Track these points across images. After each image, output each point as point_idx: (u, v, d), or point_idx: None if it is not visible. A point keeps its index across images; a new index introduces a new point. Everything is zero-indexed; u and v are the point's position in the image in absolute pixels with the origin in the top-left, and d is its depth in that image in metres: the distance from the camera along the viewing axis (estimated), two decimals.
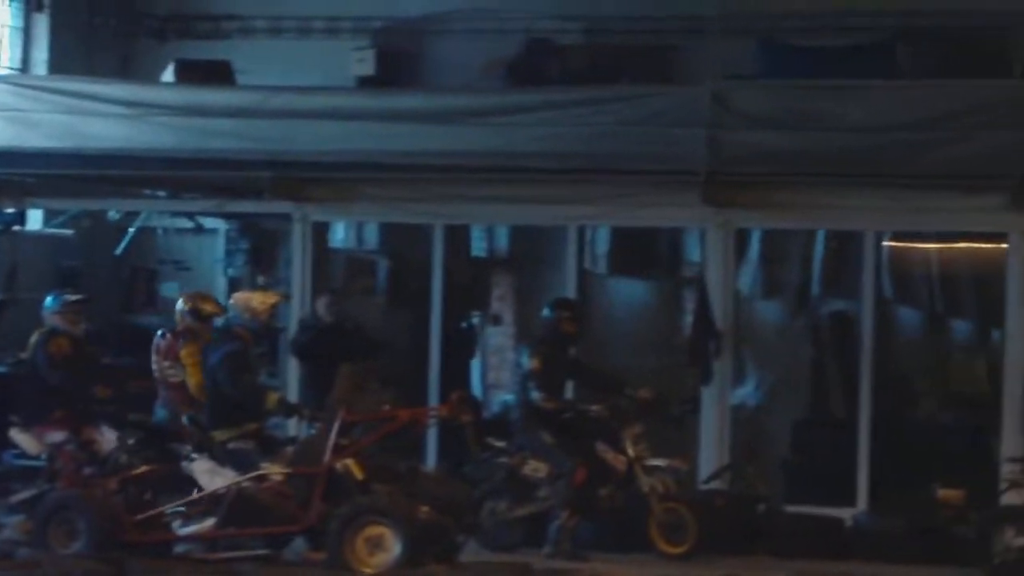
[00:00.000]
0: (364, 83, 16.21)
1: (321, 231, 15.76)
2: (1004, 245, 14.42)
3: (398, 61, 16.75)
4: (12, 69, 17.22)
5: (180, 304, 13.22)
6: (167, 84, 16.00)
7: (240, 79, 16.10)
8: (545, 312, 13.54)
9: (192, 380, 12.68)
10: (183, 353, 12.82)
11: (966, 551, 12.96)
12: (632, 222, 15.76)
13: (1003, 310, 14.47)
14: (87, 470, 12.10)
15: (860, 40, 16.35)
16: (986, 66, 15.44)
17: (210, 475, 11.09)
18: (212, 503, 11.05)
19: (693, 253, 16.20)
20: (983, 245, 15.41)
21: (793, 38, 16.46)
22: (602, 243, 16.64)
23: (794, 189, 14.59)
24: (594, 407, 12.86)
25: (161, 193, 16.33)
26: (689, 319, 15.40)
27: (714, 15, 15.51)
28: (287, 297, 13.91)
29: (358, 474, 10.80)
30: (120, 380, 13.90)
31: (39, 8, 17.19)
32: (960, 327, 17.33)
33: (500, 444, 13.22)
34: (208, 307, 13.07)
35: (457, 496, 12.02)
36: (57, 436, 12.55)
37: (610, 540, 12.90)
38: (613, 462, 12.23)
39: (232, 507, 10.87)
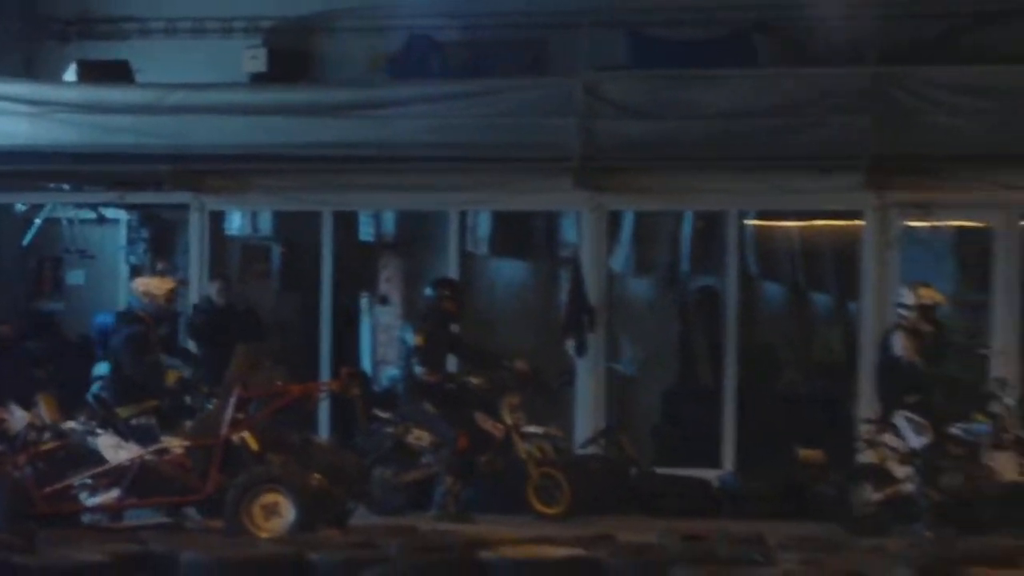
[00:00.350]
0: (256, 79, 16.68)
1: (217, 220, 16.44)
2: (860, 222, 15.41)
3: (288, 58, 17.15)
4: None
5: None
6: (69, 83, 16.56)
7: (139, 78, 16.71)
8: (427, 292, 14.32)
9: None
10: None
11: (826, 507, 13.74)
12: (510, 207, 16.66)
13: (859, 284, 15.55)
14: None
15: (722, 32, 17.06)
16: (839, 55, 16.15)
17: (115, 449, 11.42)
18: (117, 475, 11.34)
19: (569, 235, 16.91)
20: (840, 223, 16.30)
21: (659, 31, 17.02)
22: (483, 227, 17.36)
23: (662, 173, 15.61)
24: (473, 379, 13.60)
25: (65, 186, 16.77)
26: (565, 297, 16.04)
27: (584, 10, 16.17)
28: (184, 283, 14.45)
29: (253, 446, 11.23)
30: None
31: None
32: (820, 300, 18.46)
33: (386, 415, 13.87)
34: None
35: (347, 465, 12.50)
36: None
37: (491, 503, 13.54)
38: (492, 430, 12.98)
39: (136, 479, 11.25)
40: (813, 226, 17.49)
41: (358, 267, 17.84)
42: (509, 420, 13.44)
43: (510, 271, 18.41)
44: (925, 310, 13.96)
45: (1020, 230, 15.48)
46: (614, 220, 16.50)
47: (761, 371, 17.12)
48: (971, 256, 16.70)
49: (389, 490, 13.49)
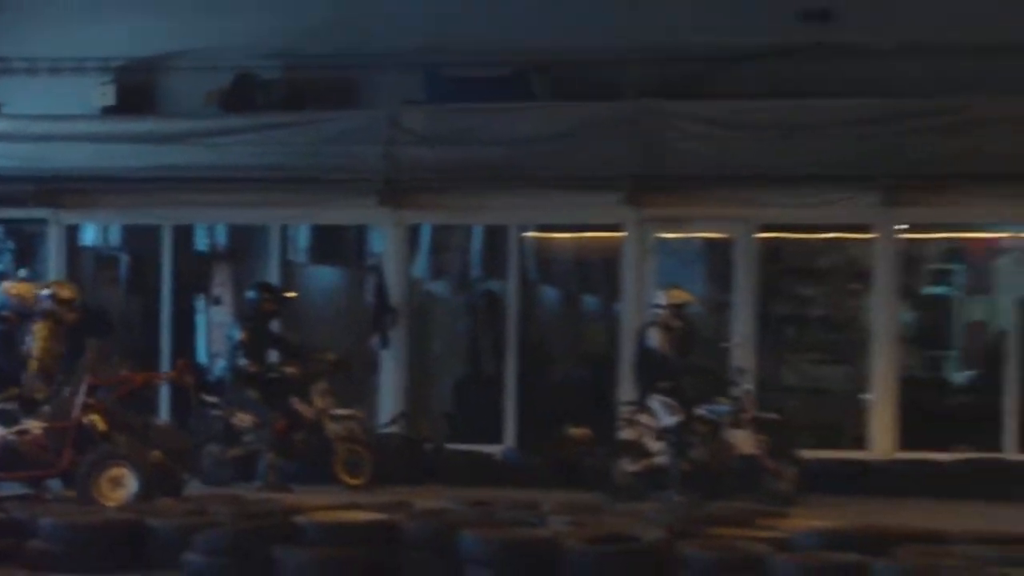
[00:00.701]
0: (107, 112, 17.98)
1: (72, 233, 18.03)
2: (621, 234, 17.15)
3: (134, 93, 18.37)
4: None
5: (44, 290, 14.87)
6: None
7: (5, 110, 18.00)
8: (250, 294, 15.81)
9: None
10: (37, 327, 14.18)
11: (592, 477, 15.19)
12: (324, 221, 18.50)
13: (620, 287, 17.36)
14: None
15: (504, 71, 18.22)
16: (604, 91, 17.83)
17: None
18: None
19: (375, 245, 18.46)
20: (605, 235, 17.85)
21: (452, 71, 18.32)
22: (302, 239, 19.11)
23: (454, 192, 17.44)
24: (289, 369, 15.07)
25: None
26: (370, 299, 17.74)
27: (388, 52, 17.82)
28: (46, 287, 15.80)
29: (101, 427, 12.49)
30: None
31: None
32: (588, 301, 20.13)
33: (215, 400, 15.32)
34: (65, 293, 14.86)
35: (182, 443, 13.97)
36: None
37: (305, 475, 14.86)
38: (305, 413, 14.47)
39: (0, 456, 12.34)
40: (583, 238, 19.06)
41: (194, 273, 19.11)
42: (320, 404, 14.82)
43: (325, 277, 19.91)
44: (675, 309, 15.26)
45: (755, 241, 17.27)
46: (413, 233, 18.17)
47: (537, 362, 18.58)
48: (715, 263, 18.31)
49: (218, 464, 14.78)
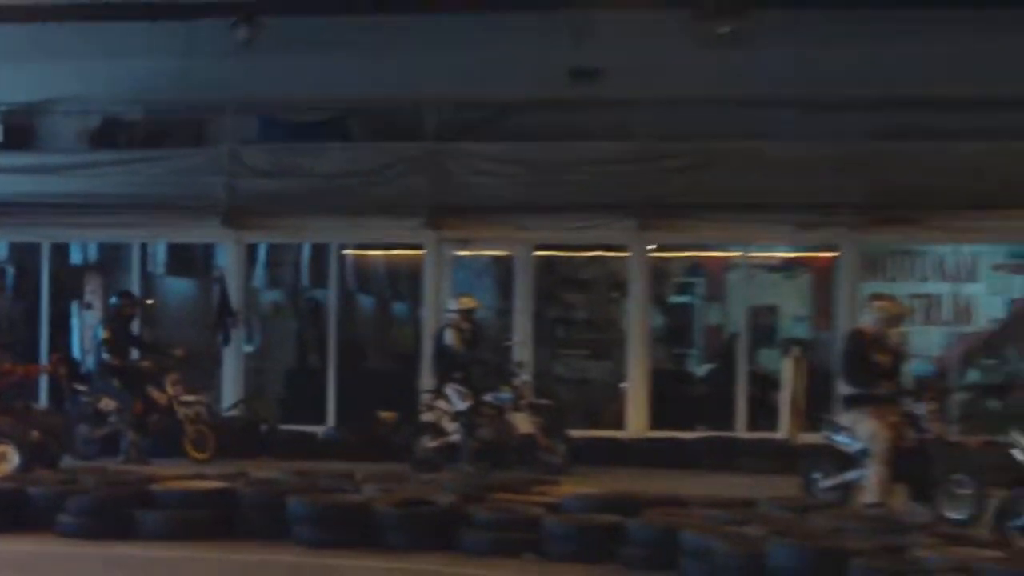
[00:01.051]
0: None
1: None
2: (422, 252, 19.32)
3: (19, 132, 20.27)
4: None
5: None
6: None
7: None
8: (113, 300, 17.51)
9: None
10: None
11: (399, 452, 16.81)
12: (177, 239, 20.73)
13: (421, 295, 19.53)
14: None
15: (325, 116, 20.35)
16: (406, 133, 19.91)
17: None
18: None
19: (221, 260, 20.32)
20: (409, 252, 20.16)
21: (283, 115, 20.64)
22: (159, 254, 21.15)
23: (285, 216, 19.45)
24: (144, 363, 16.83)
25: None
26: (216, 304, 19.64)
27: (230, 99, 19.53)
28: None
29: None
30: None
31: None
32: (396, 307, 22.63)
33: (85, 389, 17.07)
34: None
35: (57, 424, 15.90)
36: None
37: (160, 450, 16.51)
38: (159, 399, 16.13)
39: None
40: (391, 255, 21.57)
41: (69, 283, 20.90)
42: (171, 391, 16.47)
43: (177, 286, 22.01)
44: (465, 313, 16.96)
45: (532, 258, 19.47)
46: (251, 250, 20.39)
47: (354, 357, 20.72)
48: (499, 275, 20.61)
49: (87, 442, 16.51)
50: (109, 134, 20.71)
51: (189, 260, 22.34)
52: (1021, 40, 18.43)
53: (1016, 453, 12.63)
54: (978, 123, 19.17)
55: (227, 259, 20.32)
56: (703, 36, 19.15)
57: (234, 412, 18.82)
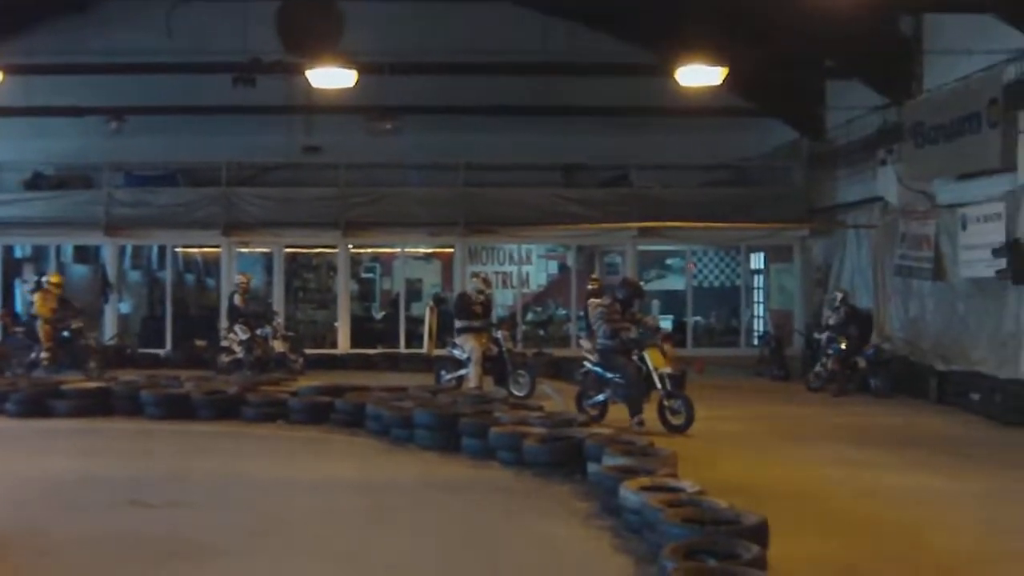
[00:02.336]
0: None
1: None
2: (219, 249, 26.11)
3: None
4: None
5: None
6: None
7: None
8: (41, 279, 21.62)
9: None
10: None
11: (208, 364, 22.17)
12: (78, 243, 27.71)
13: (220, 274, 26.51)
14: None
15: (163, 172, 27.20)
16: (209, 182, 26.21)
17: None
18: None
19: (104, 254, 26.83)
20: (214, 249, 26.79)
21: (138, 172, 27.14)
22: (68, 251, 27.54)
23: (141, 228, 26.25)
24: (62, 312, 20.88)
25: None
26: (100, 280, 25.78)
27: (106, 161, 26.36)
28: None
29: None
30: None
31: None
32: (207, 281, 29.39)
33: (21, 331, 21.54)
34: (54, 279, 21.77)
35: (5, 351, 20.82)
36: None
37: (69, 366, 20.43)
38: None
39: None
40: (203, 251, 28.92)
41: (14, 268, 26.85)
42: (75, 327, 20.66)
43: (79, 270, 28.24)
44: (246, 284, 22.86)
45: (284, 253, 26.80)
46: (122, 248, 27.22)
47: (182, 309, 27.69)
48: (266, 263, 27.77)
49: (21, 363, 20.67)
50: (37, 182, 27.26)
51: (86, 254, 28.69)
52: (548, 131, 28.23)
53: (586, 363, 17.10)
54: (518, 180, 28.28)
55: (107, 254, 27.21)
56: (374, 129, 28.08)
57: (113, 341, 24.64)
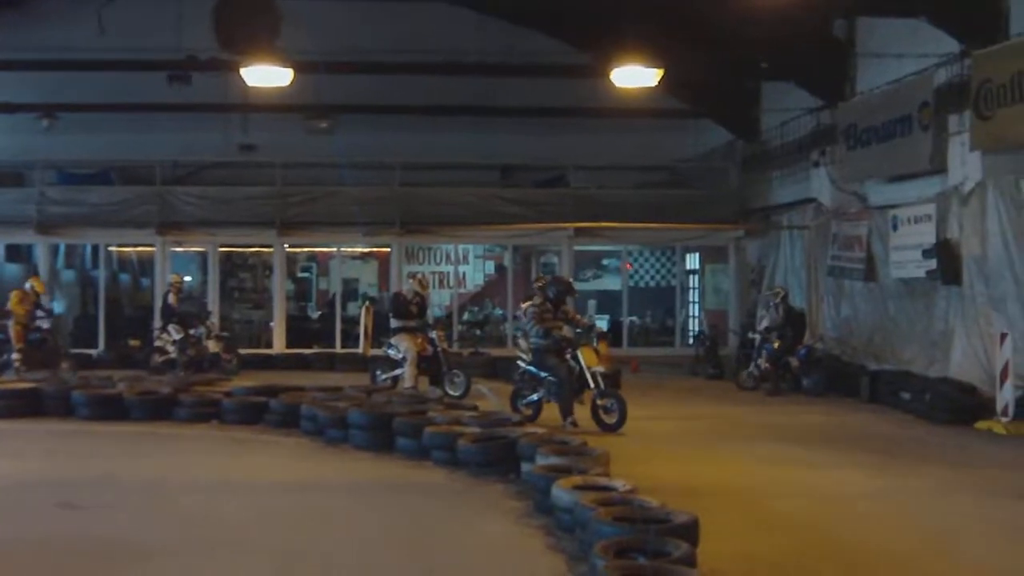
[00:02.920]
0: None
1: None
2: (153, 248, 26.50)
3: None
4: None
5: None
6: None
7: None
8: None
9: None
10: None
11: (141, 364, 22.49)
12: (9, 242, 27.85)
13: (154, 274, 26.56)
14: None
15: (95, 170, 27.32)
16: (143, 179, 26.66)
17: None
18: None
19: (36, 254, 27.44)
20: (147, 248, 27.05)
21: (71, 170, 27.28)
22: (2, 249, 27.75)
23: (74, 227, 26.50)
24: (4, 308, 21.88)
25: None
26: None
27: (40, 160, 26.46)
28: None
29: None
30: None
31: None
32: (142, 280, 29.59)
33: None
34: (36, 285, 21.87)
35: None
36: None
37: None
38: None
39: None
40: (136, 249, 28.94)
41: None
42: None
43: (12, 269, 28.65)
44: (179, 284, 23.31)
45: (218, 252, 26.88)
46: (55, 247, 27.65)
47: (116, 309, 27.88)
48: (201, 262, 28.17)
49: None
50: None
51: (17, 253, 29.28)
52: (484, 131, 28.73)
53: (520, 363, 17.04)
54: (455, 180, 28.67)
55: (38, 253, 27.67)
56: (310, 128, 28.29)
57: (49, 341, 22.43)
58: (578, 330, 17.02)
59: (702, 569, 7.54)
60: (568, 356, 16.27)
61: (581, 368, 16.09)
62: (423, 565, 8.93)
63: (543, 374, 16.31)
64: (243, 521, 10.29)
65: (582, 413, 15.95)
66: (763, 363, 21.92)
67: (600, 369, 16.22)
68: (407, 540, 9.72)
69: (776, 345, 21.66)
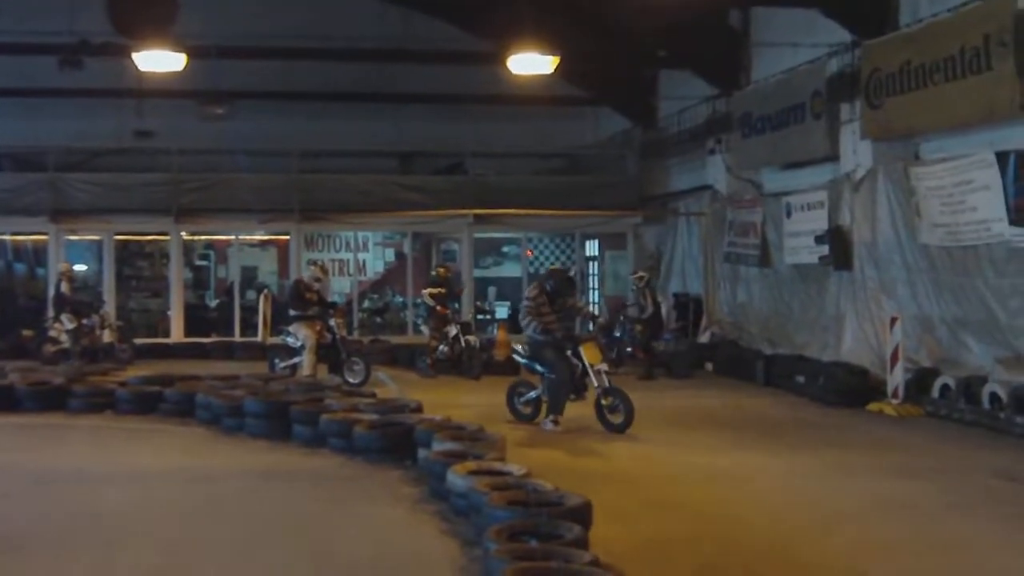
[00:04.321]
0: None
1: None
2: (46, 237, 26.09)
3: None
4: None
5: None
6: None
7: None
8: None
9: None
10: None
11: (33, 354, 22.04)
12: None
13: (47, 263, 26.13)
14: None
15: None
16: (34, 167, 26.14)
17: None
18: None
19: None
20: (41, 237, 26.62)
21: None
22: None
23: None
24: None
25: None
26: None
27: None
28: None
29: None
30: None
31: None
32: (38, 271, 28.79)
33: None
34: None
35: None
36: None
37: None
38: None
39: None
40: (32, 239, 28.05)
41: None
42: None
43: None
44: (69, 273, 23.01)
45: (114, 240, 26.30)
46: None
47: (9, 299, 27.72)
48: (96, 250, 27.56)
49: None
50: None
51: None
52: (384, 117, 28.85)
53: (516, 356, 16.40)
54: (354, 167, 28.76)
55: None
56: (206, 114, 27.94)
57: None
58: (584, 324, 16.96)
59: (594, 551, 7.57)
60: (569, 353, 15.39)
61: (584, 366, 15.24)
62: (317, 551, 8.93)
63: (540, 368, 15.59)
64: (134, 512, 10.22)
65: (581, 411, 15.54)
66: (630, 349, 22.25)
67: (603, 367, 15.35)
68: (301, 527, 9.69)
69: (639, 329, 21.88)
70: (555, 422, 14.99)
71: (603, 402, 15.03)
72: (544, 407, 15.44)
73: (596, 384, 15.06)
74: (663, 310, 23.55)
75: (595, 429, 15.25)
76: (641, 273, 23.27)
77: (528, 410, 15.70)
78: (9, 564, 8.52)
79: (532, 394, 15.62)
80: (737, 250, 22.92)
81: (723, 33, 23.13)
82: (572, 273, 18.73)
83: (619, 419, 14.86)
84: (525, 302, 15.98)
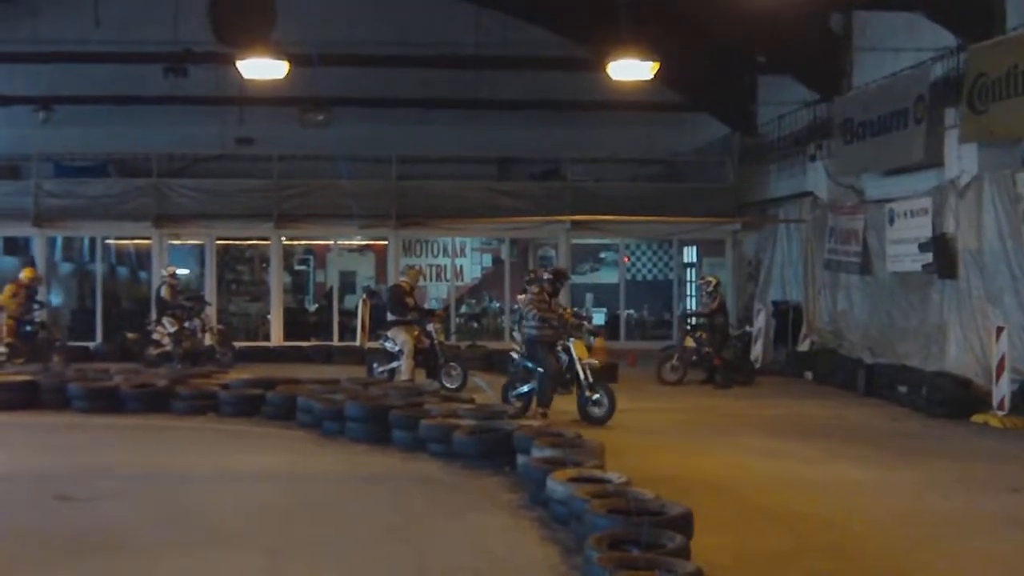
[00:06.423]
0: None
1: None
2: (150, 241, 26.79)
3: None
4: None
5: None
6: None
7: None
8: None
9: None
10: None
11: (138, 357, 22.32)
12: (8, 235, 28.07)
13: (151, 267, 27.25)
14: None
15: (92, 163, 27.65)
16: (141, 172, 26.85)
17: None
18: None
19: (34, 248, 27.33)
20: (145, 241, 27.11)
21: (68, 162, 27.57)
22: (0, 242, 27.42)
23: (71, 219, 26.52)
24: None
25: None
26: None
27: (37, 152, 26.53)
28: None
29: None
30: None
31: None
32: (140, 273, 29.56)
33: None
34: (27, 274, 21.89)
35: None
36: None
37: None
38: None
39: None
40: (134, 242, 29.02)
41: None
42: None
43: (9, 261, 28.01)
44: (173, 276, 22.82)
45: (216, 245, 27.01)
46: (52, 240, 27.67)
47: (112, 301, 28.00)
48: (198, 255, 28.50)
49: None
50: None
51: (15, 246, 29.56)
52: (481, 124, 28.90)
53: (514, 355, 17.17)
54: (451, 173, 28.89)
55: (36, 246, 27.59)
56: (306, 121, 28.63)
57: (42, 333, 22.89)
58: (576, 320, 17.35)
59: (696, 561, 7.49)
60: (559, 348, 16.30)
61: (571, 360, 16.13)
62: (417, 558, 8.92)
63: (531, 365, 16.35)
64: (235, 514, 10.24)
65: (565, 405, 16.01)
66: (706, 351, 21.97)
67: (592, 362, 16.34)
68: (401, 532, 9.71)
69: (703, 336, 21.74)
70: (543, 415, 15.56)
71: (587, 395, 16.00)
72: (534, 401, 16.13)
73: (581, 378, 16.02)
74: (761, 319, 23.18)
75: (689, 439, 15.33)
76: (709, 277, 23.08)
77: (520, 403, 16.21)
78: (114, 562, 8.61)
79: (524, 388, 16.36)
80: (838, 257, 22.63)
81: (824, 37, 22.91)
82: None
83: (601, 412, 15.84)
84: (528, 295, 16.85)
